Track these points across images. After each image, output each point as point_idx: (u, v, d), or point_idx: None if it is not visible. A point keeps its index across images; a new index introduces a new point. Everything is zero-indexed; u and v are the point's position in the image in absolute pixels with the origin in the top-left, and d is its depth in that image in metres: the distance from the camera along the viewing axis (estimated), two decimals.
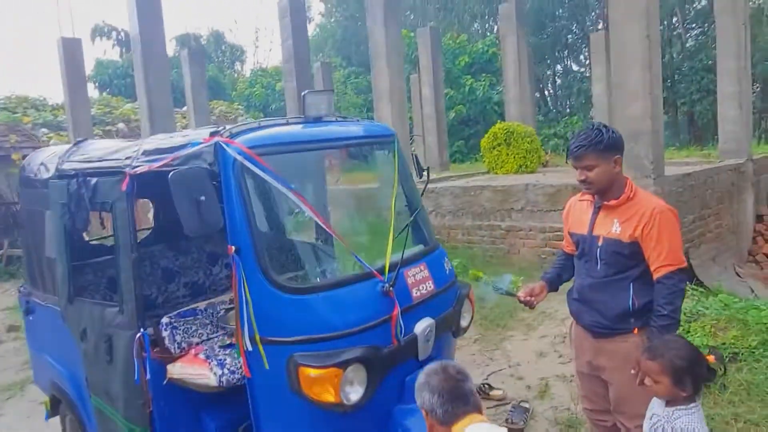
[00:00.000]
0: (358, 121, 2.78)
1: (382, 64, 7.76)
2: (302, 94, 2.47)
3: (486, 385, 3.79)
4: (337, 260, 2.37)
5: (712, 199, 6.59)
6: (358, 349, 2.11)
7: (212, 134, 2.25)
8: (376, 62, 7.88)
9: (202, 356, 2.55)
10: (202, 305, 2.84)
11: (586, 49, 19.16)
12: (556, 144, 17.15)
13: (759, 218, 7.78)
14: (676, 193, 5.58)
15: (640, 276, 2.29)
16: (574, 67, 25.87)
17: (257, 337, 2.14)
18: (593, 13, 24.24)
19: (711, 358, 1.85)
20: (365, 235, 2.35)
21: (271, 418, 2.22)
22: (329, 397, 2.04)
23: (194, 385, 2.50)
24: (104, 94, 20.67)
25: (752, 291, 5.90)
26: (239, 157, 2.16)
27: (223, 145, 2.18)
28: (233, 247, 2.12)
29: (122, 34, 24.89)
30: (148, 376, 2.55)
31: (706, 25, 23.88)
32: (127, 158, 2.57)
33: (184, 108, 13.97)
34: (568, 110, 24.48)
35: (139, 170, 2.44)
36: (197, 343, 2.71)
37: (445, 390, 1.69)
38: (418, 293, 2.41)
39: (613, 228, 2.29)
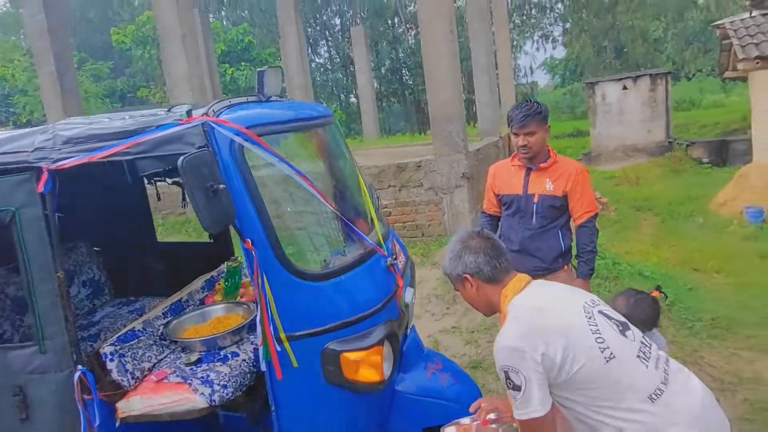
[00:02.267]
0: (291, 101, 2.66)
1: (175, 48, 7.02)
2: (260, 71, 2.25)
3: None
4: (342, 241, 2.28)
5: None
6: (385, 324, 2.12)
7: (188, 113, 1.91)
8: (167, 46, 7.07)
9: (174, 379, 2.15)
10: (137, 325, 2.36)
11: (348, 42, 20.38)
12: None
13: None
14: (475, 165, 6.65)
15: (565, 224, 2.86)
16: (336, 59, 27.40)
17: (282, 335, 1.95)
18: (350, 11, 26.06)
19: (656, 293, 2.38)
20: (345, 214, 2.31)
21: (302, 420, 2.05)
22: (375, 376, 2.02)
23: (169, 414, 2.11)
24: None
25: None
26: (238, 139, 1.90)
27: (215, 126, 1.89)
28: (249, 240, 1.87)
29: None
30: (98, 422, 2.05)
31: None
32: (36, 149, 1.95)
33: None
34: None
35: (67, 163, 1.90)
36: (149, 369, 2.26)
37: (488, 248, 1.74)
38: (401, 264, 2.50)
39: (546, 186, 2.78)
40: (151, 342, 2.35)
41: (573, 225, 2.89)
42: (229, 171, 1.88)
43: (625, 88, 14.57)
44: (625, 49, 24.89)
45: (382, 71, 27.61)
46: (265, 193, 1.98)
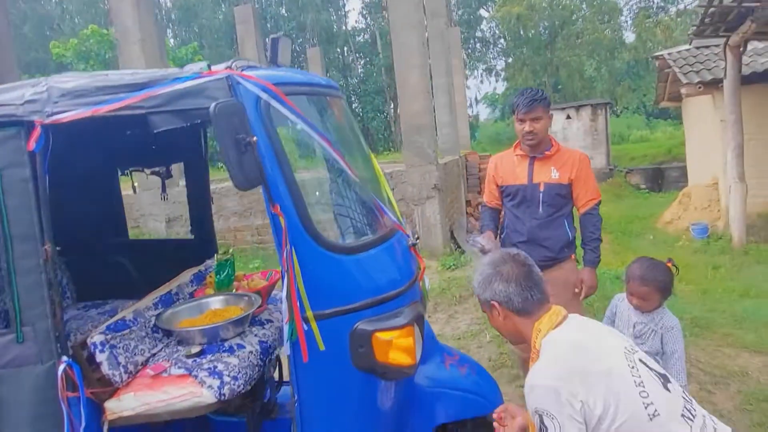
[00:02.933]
0: (303, 70, 2.50)
1: (133, 53, 6.66)
2: (273, 38, 2.10)
3: None
4: (367, 216, 2.11)
5: (453, 184, 8.11)
6: (412, 306, 1.97)
7: (209, 67, 1.74)
8: (124, 49, 6.69)
9: (176, 371, 1.90)
10: (127, 314, 2.08)
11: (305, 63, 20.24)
12: None
13: (468, 203, 9.90)
14: (443, 177, 6.66)
15: (570, 212, 2.83)
16: None
17: (309, 314, 1.76)
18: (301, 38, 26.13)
19: (670, 264, 2.38)
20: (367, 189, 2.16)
21: (326, 411, 1.85)
22: (407, 359, 1.85)
23: (170, 413, 1.85)
24: None
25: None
26: (265, 95, 1.74)
27: (241, 80, 1.71)
28: (278, 205, 1.69)
29: None
30: (83, 424, 1.76)
31: (372, 55, 28.54)
32: (26, 102, 1.70)
33: None
34: None
35: (67, 117, 1.66)
36: (143, 363, 1.99)
37: (521, 277, 1.60)
38: (413, 245, 2.36)
39: (552, 174, 2.75)
40: (143, 334, 2.08)
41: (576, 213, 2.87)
42: (255, 130, 1.70)
43: (568, 117, 15.33)
44: (560, 86, 26.38)
45: None
46: (294, 156, 1.81)
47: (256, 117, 1.71)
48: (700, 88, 7.95)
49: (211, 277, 2.62)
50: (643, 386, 1.42)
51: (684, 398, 1.50)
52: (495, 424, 1.79)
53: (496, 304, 1.63)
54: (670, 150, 17.03)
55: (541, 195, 2.76)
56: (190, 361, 1.95)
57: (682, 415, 1.44)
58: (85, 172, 2.96)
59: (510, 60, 28.03)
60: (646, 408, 1.39)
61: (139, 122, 2.72)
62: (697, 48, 9.10)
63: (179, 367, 1.91)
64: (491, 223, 2.98)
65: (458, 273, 5.24)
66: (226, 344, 2.07)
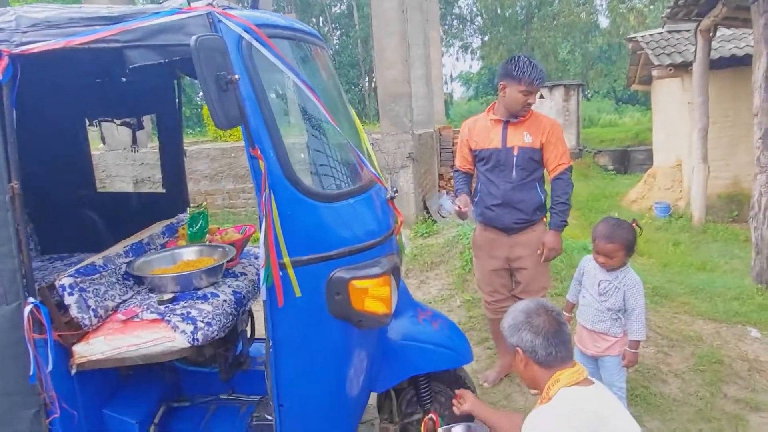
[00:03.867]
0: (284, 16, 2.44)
1: None
2: None
3: None
4: (346, 165, 2.10)
5: (427, 156, 8.13)
6: (389, 256, 1.99)
7: (188, 3, 1.68)
8: None
9: (148, 316, 1.88)
10: (96, 260, 2.04)
11: None
12: None
13: (440, 176, 9.96)
14: (418, 148, 6.67)
15: (541, 176, 2.89)
16: None
17: (286, 259, 1.76)
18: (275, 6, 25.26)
19: (634, 224, 2.48)
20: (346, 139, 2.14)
21: (300, 357, 1.86)
22: (383, 308, 1.87)
23: (142, 357, 1.84)
24: None
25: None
26: (247, 36, 1.70)
27: (223, 18, 1.67)
28: (258, 148, 1.67)
29: None
30: (50, 368, 1.73)
31: (348, 27, 28.03)
32: None
33: None
34: None
35: (37, 47, 1.59)
36: (113, 309, 1.96)
37: (550, 333, 1.64)
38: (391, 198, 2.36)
39: (525, 139, 2.79)
40: (113, 280, 2.04)
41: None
42: (237, 70, 1.66)
43: (542, 96, 15.45)
44: None
45: None
46: (273, 100, 1.78)
47: (238, 57, 1.67)
48: (670, 70, 8.13)
49: (183, 229, 2.58)
50: None
51: None
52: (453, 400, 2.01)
53: (520, 350, 1.67)
54: (637, 135, 17.44)
55: (515, 159, 2.80)
56: (162, 307, 1.94)
57: None
58: (51, 118, 2.84)
59: (486, 38, 27.95)
60: None
61: (110, 68, 2.64)
62: (669, 32, 9.28)
63: (151, 312, 1.90)
64: (465, 187, 3.01)
65: (430, 240, 5.30)
66: (200, 292, 2.05)
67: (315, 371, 1.91)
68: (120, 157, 6.63)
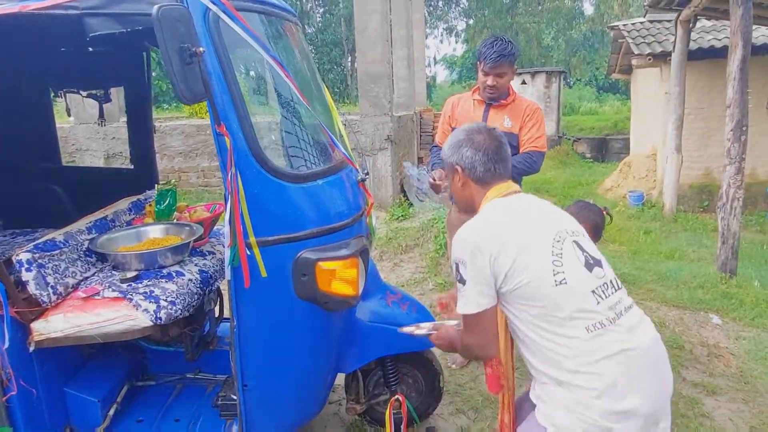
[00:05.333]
0: None
1: None
2: None
3: None
4: (316, 146, 2.06)
5: (406, 139, 8.09)
6: (358, 239, 1.98)
7: None
8: None
9: (109, 294, 1.84)
10: (57, 236, 1.98)
11: None
12: None
13: (420, 159, 9.94)
14: (397, 130, 6.63)
15: None
16: None
17: (252, 240, 1.73)
18: None
19: (605, 212, 2.50)
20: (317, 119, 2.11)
21: (265, 338, 1.85)
22: (350, 290, 1.87)
23: (102, 335, 1.81)
24: None
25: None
26: (214, 7, 1.64)
27: None
28: (224, 125, 1.62)
29: None
30: (7, 345, 1.70)
31: (332, 4, 27.54)
32: None
33: None
34: None
35: None
36: (74, 286, 1.91)
37: (491, 149, 1.63)
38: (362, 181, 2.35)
39: (504, 123, 2.78)
40: (75, 257, 1.99)
41: None
42: (203, 44, 1.61)
43: (524, 82, 15.47)
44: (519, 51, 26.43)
45: None
46: (240, 79, 1.73)
47: (204, 30, 1.62)
48: (649, 59, 8.19)
49: (150, 206, 2.52)
50: (560, 257, 1.47)
51: (608, 283, 1.51)
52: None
53: (459, 168, 1.66)
54: (616, 124, 17.61)
55: None
56: (124, 285, 1.90)
57: (593, 292, 1.47)
58: (12, 89, 2.74)
59: (471, 21, 27.76)
60: (554, 275, 1.44)
61: (73, 37, 2.54)
62: (651, 22, 9.32)
63: (113, 290, 1.86)
64: (441, 162, 2.99)
65: (406, 224, 5.30)
66: (164, 271, 2.02)
67: (280, 352, 1.90)
68: (91, 131, 6.45)
